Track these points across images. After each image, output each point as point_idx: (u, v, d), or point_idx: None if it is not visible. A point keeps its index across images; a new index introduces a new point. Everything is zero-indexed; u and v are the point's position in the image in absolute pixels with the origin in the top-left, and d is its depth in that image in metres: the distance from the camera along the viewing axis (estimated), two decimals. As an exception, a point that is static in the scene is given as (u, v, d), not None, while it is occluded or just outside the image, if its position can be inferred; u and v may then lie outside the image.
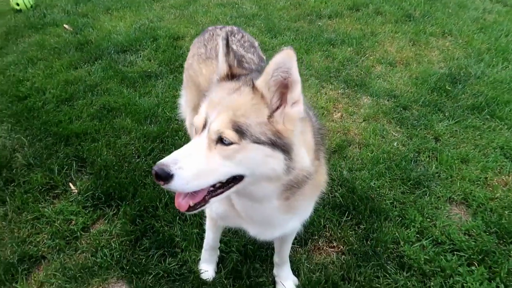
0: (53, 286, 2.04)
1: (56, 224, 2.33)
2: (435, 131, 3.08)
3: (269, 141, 1.18)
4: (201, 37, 2.26)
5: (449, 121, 3.19)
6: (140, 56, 3.86)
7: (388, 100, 3.43)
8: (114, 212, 2.41)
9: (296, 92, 1.19)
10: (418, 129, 3.10)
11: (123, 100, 3.25)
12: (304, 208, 1.54)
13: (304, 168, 1.28)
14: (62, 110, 3.15)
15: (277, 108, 1.22)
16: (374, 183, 2.63)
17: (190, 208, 1.24)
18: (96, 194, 2.49)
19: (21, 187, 2.53)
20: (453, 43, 4.38)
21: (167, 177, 1.12)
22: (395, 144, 2.96)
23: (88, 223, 2.36)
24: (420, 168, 2.75)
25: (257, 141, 1.16)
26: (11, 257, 2.15)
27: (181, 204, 1.23)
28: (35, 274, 2.10)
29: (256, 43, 2.24)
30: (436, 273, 2.13)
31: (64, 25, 4.29)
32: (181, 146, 2.77)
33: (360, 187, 2.59)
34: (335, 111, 3.30)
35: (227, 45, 1.30)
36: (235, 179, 1.23)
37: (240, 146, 1.16)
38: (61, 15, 4.53)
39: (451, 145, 2.96)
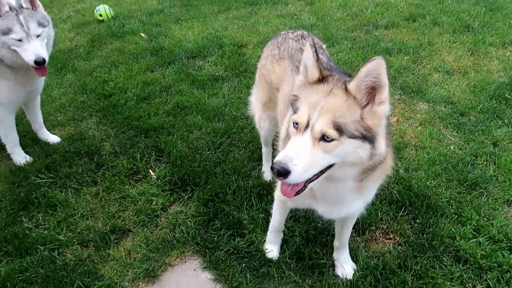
0: (139, 254, 2.35)
1: (139, 203, 2.67)
2: (493, 137, 3.13)
3: (361, 135, 1.41)
4: (274, 40, 2.50)
5: (508, 127, 3.22)
6: (208, 61, 4.22)
7: (445, 107, 3.51)
8: (189, 196, 2.71)
9: (384, 94, 1.42)
10: (476, 135, 3.16)
11: (194, 99, 3.59)
12: (370, 189, 1.74)
13: (382, 154, 1.51)
14: (141, 107, 3.53)
15: (365, 106, 1.43)
16: (430, 183, 2.74)
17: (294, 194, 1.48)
18: (173, 180, 2.81)
19: (109, 171, 2.91)
20: (514, 53, 4.36)
21: (286, 173, 1.36)
22: (451, 148, 3.05)
23: (166, 204, 2.68)
24: (477, 171, 2.82)
25: (352, 136, 1.40)
26: (104, 228, 2.50)
27: (288, 192, 1.48)
28: (124, 244, 2.42)
29: (324, 46, 2.47)
30: (492, 267, 2.21)
31: (141, 34, 4.76)
32: (246, 141, 3.05)
33: (416, 185, 2.71)
34: (391, 115, 3.44)
35: (316, 51, 1.52)
36: (328, 167, 1.46)
37: (339, 141, 1.39)
38: (137, 25, 5.02)
39: (510, 150, 3.00)
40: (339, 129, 1.38)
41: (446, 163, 2.88)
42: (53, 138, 3.22)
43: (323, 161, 1.42)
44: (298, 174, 1.38)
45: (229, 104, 3.52)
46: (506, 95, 3.61)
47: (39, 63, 2.50)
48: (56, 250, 2.37)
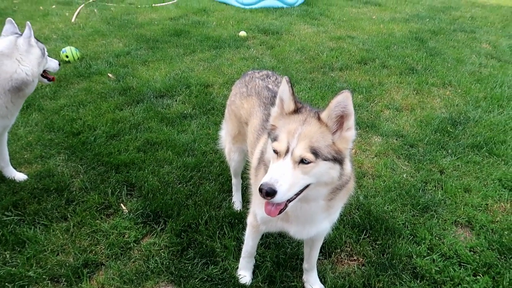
0: (113, 287, 2.37)
1: (112, 237, 2.69)
2: (439, 165, 3.48)
3: (333, 157, 1.63)
4: (242, 79, 2.73)
5: (452, 157, 3.59)
6: (176, 100, 4.39)
7: (396, 139, 3.85)
8: (162, 227, 2.77)
9: (351, 121, 1.66)
10: (425, 163, 3.49)
11: (164, 136, 3.71)
12: (337, 208, 1.95)
13: (348, 174, 1.74)
14: (111, 143, 3.60)
15: (335, 132, 1.66)
16: (387, 207, 2.98)
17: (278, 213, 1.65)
18: (145, 213, 2.87)
19: (80, 206, 2.92)
20: (452, 92, 4.88)
21: (274, 193, 1.53)
22: (404, 176, 3.35)
23: (139, 236, 2.72)
24: (428, 196, 3.12)
25: (326, 159, 1.62)
26: (76, 262, 2.49)
27: (272, 211, 1.65)
28: (97, 277, 2.42)
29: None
30: (445, 282, 2.44)
31: (108, 74, 4.87)
32: (216, 174, 3.18)
33: (375, 210, 2.95)
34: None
35: (291, 86, 1.74)
36: (305, 187, 1.65)
37: (315, 164, 1.60)
38: (104, 66, 5.13)
39: (455, 177, 3.34)
40: (315, 153, 1.59)
41: (400, 190, 3.16)
42: (20, 176, 3.19)
43: (302, 181, 1.61)
44: (282, 193, 1.56)
45: (198, 140, 3.67)
46: (448, 128, 4.03)
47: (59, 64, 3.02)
48: (25, 287, 2.33)
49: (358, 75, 5.26)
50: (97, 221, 2.82)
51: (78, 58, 5.24)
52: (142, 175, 3.22)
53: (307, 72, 5.24)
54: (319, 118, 1.67)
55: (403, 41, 6.63)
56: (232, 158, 2.83)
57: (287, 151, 1.61)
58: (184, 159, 3.42)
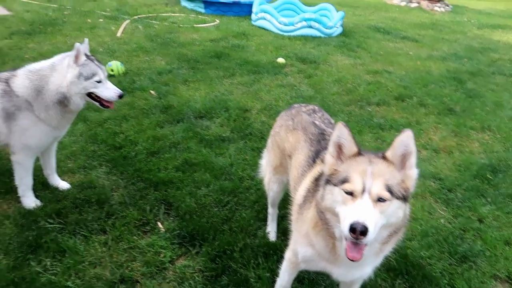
0: (147, 306, 2.40)
1: (148, 254, 2.74)
2: (478, 214, 3.40)
3: (402, 196, 1.66)
4: (288, 112, 2.77)
5: (491, 206, 3.51)
6: (215, 122, 4.48)
7: (434, 182, 3.80)
8: (197, 251, 2.80)
9: (413, 159, 1.71)
10: (463, 210, 3.43)
11: (202, 157, 3.79)
12: (386, 253, 1.93)
13: (407, 216, 1.76)
14: (151, 160, 3.69)
15: (400, 170, 1.70)
16: (424, 253, 2.93)
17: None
18: (181, 234, 2.91)
19: (119, 221, 2.99)
20: (492, 137, 4.80)
21: (365, 232, 1.54)
22: (442, 221, 3.29)
23: (174, 257, 2.75)
24: (466, 245, 3.04)
25: (398, 197, 1.64)
26: (112, 277, 2.55)
27: (356, 256, 1.64)
28: (132, 295, 2.47)
29: (332, 120, 2.75)
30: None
31: (150, 91, 5.03)
32: (252, 201, 3.20)
33: (411, 255, 2.89)
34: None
35: (350, 130, 1.78)
36: None
37: (390, 202, 1.62)
38: (147, 82, 5.31)
39: (495, 228, 3.25)
40: (390, 191, 1.62)
41: (437, 235, 3.10)
42: (63, 184, 3.30)
43: (380, 221, 1.62)
44: (372, 232, 1.56)
45: (235, 164, 3.72)
46: (488, 175, 3.95)
47: (121, 97, 2.92)
48: (64, 297, 2.40)
49: (395, 111, 5.24)
50: (135, 237, 2.88)
51: (122, 73, 5.44)
52: (180, 195, 3.28)
53: (344, 104, 5.27)
54: (384, 158, 1.71)
55: (441, 80, 6.60)
56: (271, 188, 2.86)
57: (363, 191, 1.62)
58: (221, 183, 3.47)
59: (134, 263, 2.69)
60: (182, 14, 9.34)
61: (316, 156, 2.24)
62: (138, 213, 3.07)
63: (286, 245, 2.83)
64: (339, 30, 8.99)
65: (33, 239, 2.74)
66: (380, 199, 1.61)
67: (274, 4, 9.70)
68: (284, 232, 3.04)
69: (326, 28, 8.57)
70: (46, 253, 2.66)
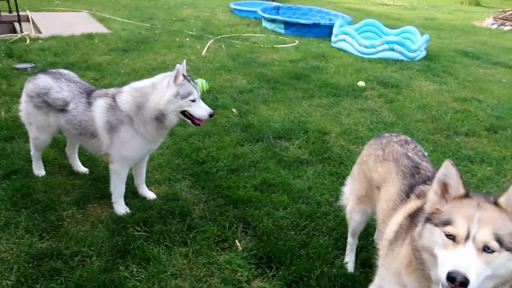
0: (223, 324, 2.43)
1: (225, 272, 2.78)
2: None
3: None
4: (377, 141, 2.69)
5: None
6: (293, 144, 4.49)
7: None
8: (273, 273, 2.79)
9: None
10: None
11: (280, 178, 3.81)
12: None
13: None
14: (231, 178, 3.79)
15: None
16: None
17: None
18: (258, 255, 2.92)
19: (200, 235, 3.09)
20: None
21: (466, 284, 1.42)
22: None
23: (251, 277, 2.77)
24: None
25: (508, 249, 1.49)
26: (192, 291, 2.63)
27: None
28: (210, 310, 2.52)
29: (426, 153, 2.61)
30: None
31: (232, 109, 5.21)
32: (330, 228, 3.12)
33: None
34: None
35: (458, 170, 1.66)
36: None
37: (499, 253, 1.48)
38: (229, 100, 5.51)
39: None
40: (499, 241, 1.48)
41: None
42: (150, 195, 3.51)
43: (484, 272, 1.48)
44: (473, 285, 1.43)
45: (313, 188, 3.69)
46: None
47: (211, 116, 3.04)
48: (147, 304, 2.51)
49: (487, 143, 4.86)
50: (213, 252, 2.95)
51: (206, 90, 5.69)
52: (258, 214, 3.31)
53: (429, 133, 5.00)
54: (496, 203, 1.57)
55: (541, 111, 6.00)
56: (353, 217, 2.77)
57: (467, 238, 1.52)
58: (299, 206, 3.45)
59: (212, 278, 2.75)
60: (263, 35, 9.61)
61: (410, 190, 2.13)
62: (218, 229, 3.15)
63: (365, 278, 2.75)
64: (423, 53, 8.63)
65: (122, 245, 2.92)
66: (486, 249, 1.48)
67: (354, 26, 9.61)
68: (363, 264, 2.93)
69: (409, 52, 8.27)
70: (133, 259, 2.82)
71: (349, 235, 2.92)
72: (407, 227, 1.90)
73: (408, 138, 2.66)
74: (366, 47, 8.33)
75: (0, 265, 2.66)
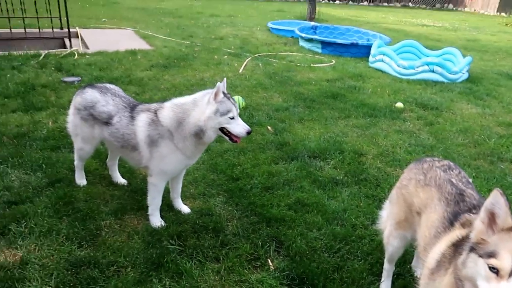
0: None
1: (257, 291, 2.76)
2: None
3: None
4: (419, 165, 2.61)
5: None
6: (328, 163, 4.44)
7: None
8: (306, 296, 2.74)
9: None
10: None
11: (314, 198, 3.76)
12: None
13: None
14: (265, 195, 3.78)
15: None
16: None
17: None
18: (290, 275, 2.88)
19: (232, 251, 3.08)
20: None
21: None
22: None
23: (283, 299, 2.73)
24: None
25: None
26: (223, 308, 2.61)
27: None
28: (240, 329, 2.49)
29: (470, 179, 2.51)
30: None
31: (268, 127, 5.24)
32: (366, 252, 3.04)
33: None
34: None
35: (507, 200, 1.59)
36: None
37: None
38: (264, 118, 5.55)
39: None
40: None
41: None
42: (185, 209, 3.55)
43: None
44: None
45: (348, 210, 3.61)
46: None
47: (249, 133, 3.07)
48: (179, 318, 2.52)
49: (535, 172, 4.60)
50: (245, 270, 2.93)
51: (243, 107, 5.76)
52: (291, 234, 3.28)
53: (471, 158, 4.81)
54: None
55: None
56: (390, 243, 2.69)
57: (511, 273, 1.44)
58: (333, 228, 3.38)
59: (244, 297, 2.73)
60: (300, 54, 9.67)
61: (454, 218, 2.05)
62: (250, 246, 3.13)
63: (402, 308, 2.64)
64: (464, 75, 8.37)
65: (156, 257, 2.96)
66: None
67: (393, 46, 9.50)
68: (399, 292, 2.82)
69: (450, 73, 8.06)
70: (166, 272, 2.85)
71: (385, 260, 2.82)
72: (451, 257, 1.83)
73: (451, 164, 2.57)
74: (405, 68, 8.19)
75: (41, 270, 2.76)
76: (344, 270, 2.95)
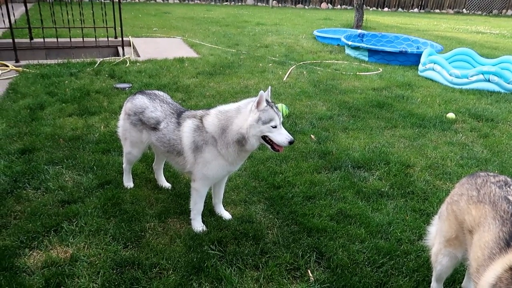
0: None
1: (296, 302, 2.72)
2: None
3: None
4: (471, 180, 2.46)
5: None
6: (373, 174, 4.32)
7: None
8: (347, 311, 2.66)
9: None
10: None
11: (358, 210, 3.66)
12: None
13: None
14: (306, 205, 3.73)
15: None
16: None
17: None
18: (331, 288, 2.82)
19: (272, 260, 3.06)
20: None
21: None
22: None
23: (322, 312, 2.67)
24: None
25: None
26: (261, 317, 2.59)
27: None
28: None
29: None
30: None
31: (311, 135, 5.18)
32: (411, 269, 2.90)
33: None
34: None
35: None
36: None
37: None
38: (308, 126, 5.50)
39: None
40: None
41: None
42: (226, 215, 3.58)
43: None
44: None
45: (393, 224, 3.48)
46: None
47: (291, 143, 3.02)
48: (217, 324, 2.53)
49: None
50: (285, 280, 2.90)
51: (286, 115, 5.75)
52: (332, 246, 3.20)
53: (530, 173, 4.48)
54: None
55: None
56: (439, 261, 2.55)
57: None
58: (377, 241, 3.27)
59: (282, 307, 2.69)
60: (345, 62, 9.52)
61: (510, 239, 1.91)
62: (290, 256, 3.10)
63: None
64: (524, 85, 7.85)
65: (196, 261, 3.00)
66: None
67: (445, 54, 9.11)
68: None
69: (508, 83, 7.58)
70: (206, 277, 2.88)
71: (433, 279, 2.68)
72: (508, 282, 1.70)
73: (508, 179, 2.40)
74: (458, 77, 7.82)
75: (89, 268, 2.89)
76: (387, 286, 2.84)
